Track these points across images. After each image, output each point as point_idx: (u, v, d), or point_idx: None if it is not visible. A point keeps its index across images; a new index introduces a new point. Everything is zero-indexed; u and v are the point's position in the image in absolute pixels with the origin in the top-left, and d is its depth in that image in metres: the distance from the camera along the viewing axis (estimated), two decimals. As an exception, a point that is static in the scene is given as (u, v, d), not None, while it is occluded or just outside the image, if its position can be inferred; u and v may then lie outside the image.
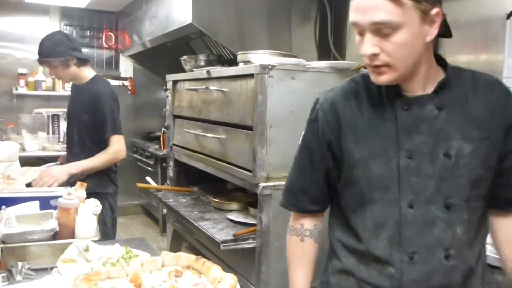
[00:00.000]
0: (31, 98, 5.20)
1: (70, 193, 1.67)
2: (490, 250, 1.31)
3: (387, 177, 1.14)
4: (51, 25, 5.29)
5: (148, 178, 3.41)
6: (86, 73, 2.65)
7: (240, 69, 2.44)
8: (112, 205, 2.68)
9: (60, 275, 1.33)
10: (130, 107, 5.55)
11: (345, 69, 2.34)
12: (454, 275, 1.15)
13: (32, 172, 2.36)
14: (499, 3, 2.25)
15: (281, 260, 2.18)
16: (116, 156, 2.56)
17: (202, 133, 2.73)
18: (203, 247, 2.83)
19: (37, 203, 1.78)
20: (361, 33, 1.08)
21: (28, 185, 2.29)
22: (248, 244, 2.18)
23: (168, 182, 3.44)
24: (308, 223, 1.33)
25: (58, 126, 5.17)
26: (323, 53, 3.45)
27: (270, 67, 2.13)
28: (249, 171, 2.21)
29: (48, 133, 5.03)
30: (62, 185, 2.37)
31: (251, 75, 2.19)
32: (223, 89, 2.49)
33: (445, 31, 1.15)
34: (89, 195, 1.98)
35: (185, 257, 1.31)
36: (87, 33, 5.48)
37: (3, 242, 1.45)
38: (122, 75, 5.63)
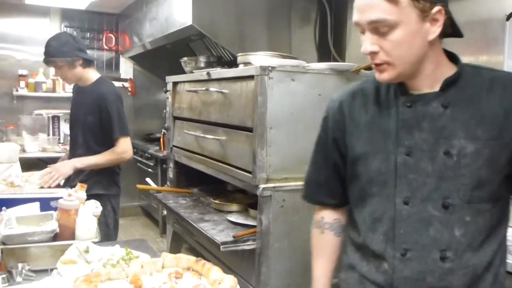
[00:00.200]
0: (31, 99, 5.21)
1: (71, 195, 1.67)
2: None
3: (385, 172, 1.17)
4: (52, 26, 5.29)
5: (148, 180, 3.42)
6: (91, 74, 2.66)
7: (240, 70, 2.44)
8: (115, 206, 2.68)
9: (60, 277, 1.33)
10: (130, 109, 5.55)
11: (345, 71, 2.34)
12: (452, 278, 1.12)
13: (35, 178, 2.36)
14: (499, 4, 2.26)
15: (281, 262, 2.19)
16: (122, 156, 2.56)
17: (202, 135, 2.73)
18: (203, 248, 2.83)
19: (37, 204, 1.78)
20: (363, 32, 1.11)
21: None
22: (248, 246, 2.18)
23: (168, 183, 3.44)
24: (328, 217, 1.39)
25: (59, 128, 5.17)
26: (323, 55, 3.45)
27: (270, 68, 2.13)
28: (249, 172, 2.21)
29: (48, 135, 5.03)
30: (63, 185, 2.38)
31: (251, 77, 2.20)
32: (223, 90, 2.50)
33: (453, 30, 1.14)
34: (92, 196, 1.99)
35: (185, 259, 1.31)
36: (88, 34, 5.49)
37: (3, 244, 1.46)
38: (122, 76, 5.65)
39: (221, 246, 2.12)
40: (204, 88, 2.68)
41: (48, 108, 5.20)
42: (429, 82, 1.14)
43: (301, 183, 2.19)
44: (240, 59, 2.63)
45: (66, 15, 5.38)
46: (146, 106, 5.72)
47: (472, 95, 1.12)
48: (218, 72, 2.64)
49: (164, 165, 4.20)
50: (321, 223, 1.39)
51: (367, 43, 1.09)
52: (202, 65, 3.32)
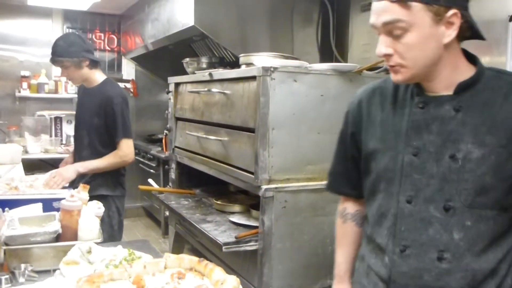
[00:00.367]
0: (34, 100, 5.22)
1: (73, 195, 1.68)
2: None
3: (392, 170, 1.20)
4: (54, 28, 5.30)
5: (150, 181, 3.41)
6: (97, 76, 2.67)
7: (242, 71, 2.44)
8: (119, 208, 2.69)
9: (63, 277, 1.33)
10: (132, 110, 5.51)
11: (347, 71, 2.34)
12: (449, 279, 1.13)
13: (39, 184, 2.35)
14: (502, 6, 2.25)
15: (283, 263, 2.19)
16: (124, 159, 2.57)
17: (204, 136, 2.73)
18: (205, 249, 2.83)
19: (40, 205, 1.78)
20: (379, 35, 1.14)
21: None
22: (250, 247, 2.18)
23: (170, 184, 3.45)
24: (350, 207, 1.44)
25: (61, 129, 5.18)
26: (325, 56, 3.45)
27: (272, 69, 2.13)
28: (251, 173, 2.21)
29: (50, 136, 5.04)
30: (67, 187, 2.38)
31: (253, 77, 2.20)
32: (225, 91, 2.50)
33: (472, 34, 1.15)
34: (97, 197, 1.99)
35: (187, 259, 1.31)
36: (90, 35, 5.50)
37: (6, 244, 1.46)
38: (124, 77, 5.65)
39: (223, 247, 2.12)
40: (206, 89, 2.68)
41: (50, 109, 5.21)
42: (445, 85, 1.15)
43: (303, 183, 2.23)
44: (242, 59, 2.63)
45: (68, 16, 5.39)
46: (148, 107, 5.72)
47: (488, 100, 1.12)
48: (220, 73, 2.64)
49: (166, 166, 4.20)
50: (344, 213, 1.45)
51: (382, 45, 1.12)
52: (204, 66, 3.32)
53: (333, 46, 3.39)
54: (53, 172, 2.46)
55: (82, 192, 1.86)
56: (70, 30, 5.34)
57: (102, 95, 2.58)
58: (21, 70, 5.10)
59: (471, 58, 1.18)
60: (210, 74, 2.68)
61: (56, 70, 5.26)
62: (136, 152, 5.29)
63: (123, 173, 2.71)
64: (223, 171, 2.54)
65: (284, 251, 2.18)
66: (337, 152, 1.43)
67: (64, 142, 5.11)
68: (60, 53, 2.54)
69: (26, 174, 3.11)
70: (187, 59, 3.43)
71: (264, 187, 2.14)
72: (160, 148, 4.80)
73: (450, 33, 1.09)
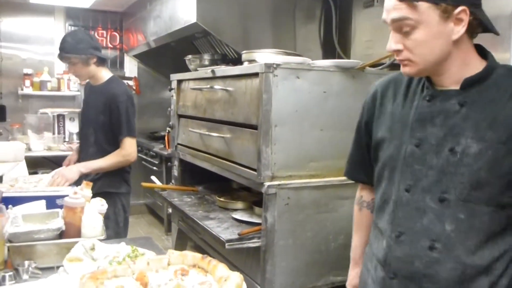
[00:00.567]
0: (37, 98, 5.23)
1: (76, 192, 1.68)
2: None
3: (396, 159, 1.24)
4: (56, 25, 5.31)
5: (153, 178, 3.42)
6: (104, 73, 2.67)
7: (244, 68, 2.44)
8: (125, 205, 2.70)
9: (66, 274, 1.34)
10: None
11: (350, 68, 2.33)
12: (439, 269, 1.16)
13: (43, 185, 2.35)
14: (506, 1, 2.24)
15: (286, 260, 2.18)
16: (126, 158, 2.58)
17: (207, 133, 2.73)
18: (208, 246, 2.83)
19: (43, 202, 1.79)
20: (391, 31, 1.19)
21: None
22: (253, 243, 2.18)
23: (173, 181, 3.44)
24: (366, 195, 1.51)
25: (64, 126, 5.19)
26: (328, 52, 3.44)
27: (275, 66, 2.12)
28: (254, 170, 2.21)
29: (53, 133, 5.05)
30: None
31: (255, 74, 2.19)
32: (228, 88, 2.49)
33: (483, 30, 1.16)
34: (102, 194, 2.00)
35: (191, 256, 1.32)
36: (92, 33, 5.50)
37: (10, 241, 1.46)
38: (126, 75, 5.65)
39: (226, 244, 2.12)
40: (208, 86, 2.68)
41: (53, 107, 5.22)
42: (454, 80, 1.17)
43: (306, 180, 2.23)
44: (244, 56, 2.62)
45: (71, 13, 5.39)
46: (150, 104, 5.73)
47: (494, 97, 1.13)
48: (223, 69, 2.64)
49: (169, 163, 4.21)
50: (360, 200, 1.53)
51: (392, 41, 1.16)
52: (207, 63, 3.31)
53: (335, 42, 3.38)
54: (57, 171, 2.46)
55: (85, 189, 1.86)
56: (72, 28, 5.34)
57: (107, 92, 2.59)
58: (24, 68, 5.10)
59: (485, 55, 1.19)
60: (213, 71, 2.67)
61: (59, 68, 5.28)
62: (139, 150, 5.31)
63: (128, 170, 2.72)
64: (225, 168, 2.54)
65: (287, 248, 2.18)
66: (354, 141, 1.49)
67: (67, 139, 5.13)
68: (68, 49, 2.54)
69: (29, 172, 3.12)
70: (190, 56, 3.42)
71: (267, 184, 2.13)
72: (162, 146, 4.81)
73: (459, 30, 1.10)
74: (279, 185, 2.14)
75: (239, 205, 2.68)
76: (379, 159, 1.32)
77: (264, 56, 2.43)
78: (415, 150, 1.20)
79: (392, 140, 1.27)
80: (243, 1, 3.26)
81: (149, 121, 5.72)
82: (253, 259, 2.28)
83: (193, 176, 3.28)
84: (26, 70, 5.09)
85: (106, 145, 2.60)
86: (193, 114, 3.02)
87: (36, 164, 4.44)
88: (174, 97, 3.34)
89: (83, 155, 2.72)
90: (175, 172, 3.37)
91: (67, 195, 1.68)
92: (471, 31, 1.14)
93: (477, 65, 1.16)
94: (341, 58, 3.29)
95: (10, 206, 1.68)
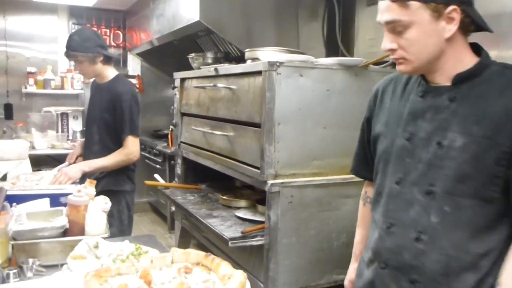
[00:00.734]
0: (40, 96, 5.24)
1: (80, 190, 1.68)
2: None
3: (389, 153, 1.29)
4: (60, 24, 5.32)
5: (156, 176, 3.42)
6: (109, 72, 2.67)
7: (248, 66, 2.44)
8: (129, 203, 2.70)
9: (70, 272, 1.34)
10: (138, 105, 5.57)
11: (353, 66, 2.33)
12: (425, 260, 1.19)
13: (45, 183, 2.36)
14: (510, -2, 2.23)
15: (289, 258, 2.19)
16: (129, 157, 2.58)
17: (210, 131, 2.73)
18: (211, 244, 2.83)
19: (47, 200, 1.79)
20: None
21: None
22: (256, 242, 2.18)
23: (176, 179, 3.45)
24: (370, 191, 1.51)
25: (67, 124, 5.20)
26: (331, 50, 3.43)
27: (278, 64, 2.12)
28: (257, 168, 2.21)
29: (57, 131, 5.07)
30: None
31: (259, 72, 2.19)
32: (231, 86, 2.49)
33: (476, 28, 1.18)
34: (107, 192, 2.00)
35: (194, 254, 1.32)
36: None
37: (14, 239, 1.47)
38: (130, 73, 5.66)
39: (230, 242, 2.12)
40: (211, 84, 2.68)
41: (56, 105, 5.24)
42: (447, 76, 1.20)
43: (309, 178, 2.22)
44: (247, 54, 2.62)
45: (74, 12, 5.40)
46: (153, 103, 5.73)
47: (484, 93, 1.15)
48: (226, 68, 2.64)
49: (172, 161, 4.21)
50: (364, 196, 1.57)
51: (386, 41, 1.20)
52: (210, 61, 3.31)
53: (339, 40, 3.37)
54: (60, 167, 2.47)
55: (89, 187, 1.86)
56: (76, 26, 5.35)
57: (112, 91, 2.59)
58: (27, 67, 5.12)
59: (480, 52, 1.21)
60: (216, 69, 2.67)
61: (62, 66, 5.29)
62: (142, 148, 5.34)
63: (133, 168, 2.72)
64: (229, 166, 2.54)
65: (290, 246, 2.18)
66: (359, 137, 1.53)
67: (70, 137, 5.14)
68: (75, 47, 2.55)
69: (33, 170, 3.12)
70: (193, 54, 3.42)
71: (270, 182, 2.13)
72: (166, 144, 4.81)
73: (451, 28, 1.13)
74: (282, 183, 2.14)
75: (242, 203, 2.68)
76: (376, 153, 1.37)
77: (267, 54, 2.43)
78: (406, 144, 1.24)
79: (387, 134, 1.32)
80: (246, -1, 3.26)
81: (152, 119, 5.73)
82: (256, 257, 2.28)
83: (196, 174, 3.29)
84: (29, 69, 5.10)
85: (110, 144, 2.61)
86: (196, 112, 3.03)
87: (40, 162, 4.45)
88: (177, 95, 3.34)
89: (87, 153, 2.73)
90: (178, 170, 3.37)
91: (71, 193, 1.68)
92: (464, 29, 1.16)
93: (470, 62, 1.19)
94: (344, 56, 3.28)
95: (14, 204, 1.69)
